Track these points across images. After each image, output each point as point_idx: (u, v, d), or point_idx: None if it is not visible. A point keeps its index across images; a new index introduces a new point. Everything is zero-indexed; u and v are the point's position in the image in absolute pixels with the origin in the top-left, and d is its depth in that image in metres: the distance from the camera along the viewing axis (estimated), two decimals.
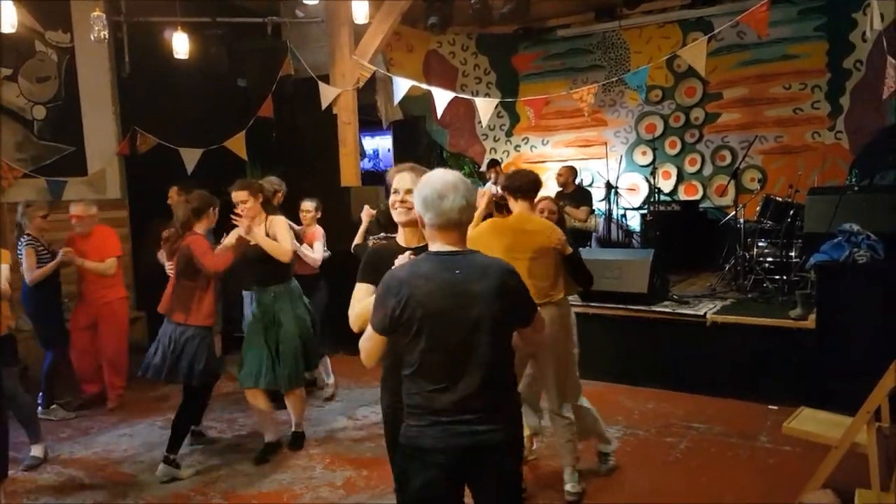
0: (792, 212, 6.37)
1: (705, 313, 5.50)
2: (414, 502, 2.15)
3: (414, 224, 2.40)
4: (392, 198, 2.54)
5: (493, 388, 2.10)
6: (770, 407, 4.95)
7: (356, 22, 6.46)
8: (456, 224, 2.11)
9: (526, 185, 3.71)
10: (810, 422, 3.64)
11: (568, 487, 3.74)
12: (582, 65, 8.99)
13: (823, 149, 7.60)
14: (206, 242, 4.11)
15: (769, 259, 6.49)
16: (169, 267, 4.36)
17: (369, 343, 2.19)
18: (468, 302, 2.05)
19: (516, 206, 3.72)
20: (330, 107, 6.90)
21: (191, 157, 7.37)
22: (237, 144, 7.44)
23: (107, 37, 5.60)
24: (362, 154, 9.14)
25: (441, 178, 2.12)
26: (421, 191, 2.13)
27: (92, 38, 5.50)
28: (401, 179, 2.53)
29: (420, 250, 2.28)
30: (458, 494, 2.16)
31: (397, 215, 2.55)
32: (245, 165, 7.86)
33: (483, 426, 2.08)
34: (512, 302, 2.12)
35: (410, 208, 2.41)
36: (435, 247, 2.15)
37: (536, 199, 3.89)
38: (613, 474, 4.06)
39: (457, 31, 9.27)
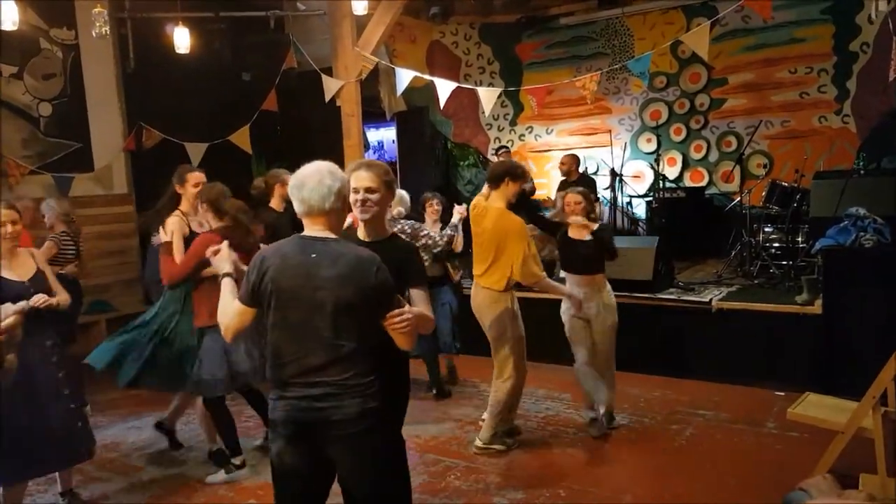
0: (798, 197, 6.33)
1: (711, 300, 5.49)
2: (274, 471, 2.31)
3: (373, 220, 2.58)
4: (352, 197, 2.54)
5: (340, 368, 2.19)
6: (776, 393, 4.94)
7: (356, 14, 6.45)
8: (319, 211, 2.23)
9: (488, 175, 4.21)
10: (816, 407, 3.63)
11: (477, 442, 4.22)
12: (585, 52, 8.93)
13: (830, 133, 7.53)
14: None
15: (775, 244, 6.46)
16: None
17: (236, 316, 2.31)
18: (314, 284, 2.17)
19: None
20: (333, 99, 6.89)
21: (196, 152, 7.39)
22: (242, 138, 7.46)
23: (108, 33, 5.62)
24: (366, 146, 9.13)
25: (306, 168, 2.27)
26: (291, 178, 2.29)
27: (94, 34, 5.52)
28: (357, 178, 2.56)
29: (372, 245, 2.47)
30: (310, 467, 2.25)
31: (360, 213, 2.58)
32: (250, 159, 7.88)
33: (324, 403, 2.18)
34: (362, 292, 2.18)
35: (371, 206, 2.53)
36: (305, 231, 2.29)
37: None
38: (618, 462, 4.07)
39: (459, 21, 9.23)
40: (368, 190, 2.53)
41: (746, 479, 3.76)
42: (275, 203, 5.25)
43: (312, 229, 2.26)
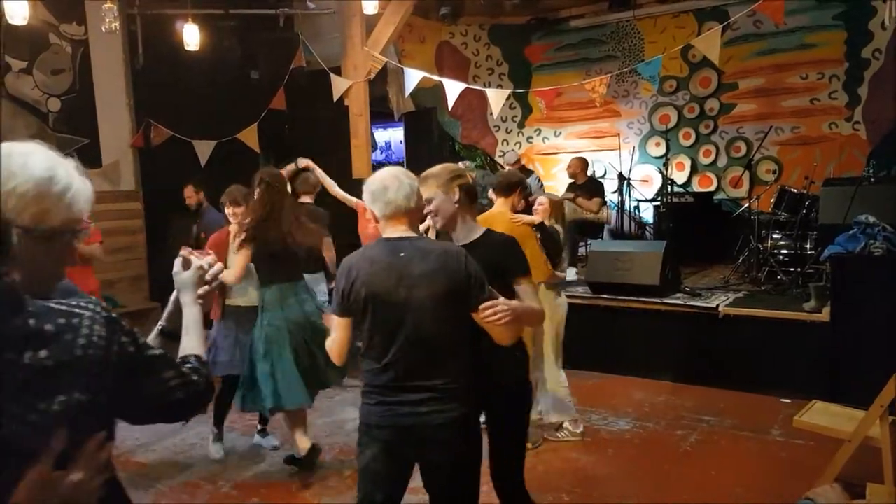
0: (807, 203, 6.29)
1: (717, 306, 5.46)
2: (364, 475, 2.29)
3: (448, 225, 2.57)
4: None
5: (439, 369, 2.19)
6: (782, 400, 4.90)
7: (366, 13, 6.45)
8: (404, 211, 2.25)
9: (502, 183, 4.24)
10: (823, 415, 3.60)
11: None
12: (595, 55, 8.91)
13: (841, 139, 7.49)
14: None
15: (783, 251, 6.42)
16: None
17: (334, 332, 2.31)
18: (408, 283, 2.16)
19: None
20: (342, 98, 6.89)
21: (204, 150, 7.41)
22: (250, 136, 7.46)
23: (118, 28, 5.64)
24: (374, 146, 9.13)
25: (384, 172, 2.31)
26: (368, 186, 2.28)
27: (103, 29, 5.55)
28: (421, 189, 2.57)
29: (467, 246, 2.46)
30: (402, 472, 2.26)
31: (431, 223, 2.67)
32: (258, 157, 7.88)
33: (425, 407, 2.16)
34: (455, 284, 2.18)
35: (434, 214, 2.55)
36: (386, 234, 2.28)
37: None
38: (622, 468, 4.05)
39: (469, 22, 9.23)
40: (427, 201, 2.50)
41: (751, 486, 3.73)
42: None
43: (395, 230, 2.26)
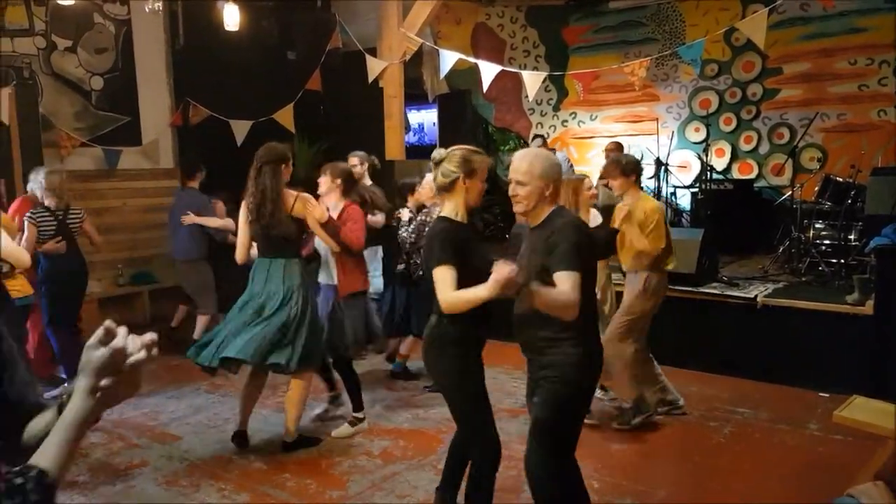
0: (853, 193, 6.12)
1: (756, 296, 5.34)
2: None
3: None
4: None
5: None
6: (820, 394, 4.79)
7: None
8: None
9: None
10: (863, 411, 3.49)
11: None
12: (634, 38, 8.74)
13: (889, 127, 7.24)
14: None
15: (826, 241, 6.25)
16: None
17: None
18: None
19: None
20: (376, 80, 6.88)
21: (240, 129, 7.46)
22: (285, 117, 7.49)
23: (161, 9, 5.70)
24: (407, 127, 9.09)
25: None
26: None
27: (147, 9, 5.62)
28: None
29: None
30: None
31: None
32: (293, 138, 7.92)
33: None
34: None
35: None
36: None
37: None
38: (653, 457, 4.01)
39: (506, 4, 9.12)
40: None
41: (787, 480, 3.66)
42: None
43: None
